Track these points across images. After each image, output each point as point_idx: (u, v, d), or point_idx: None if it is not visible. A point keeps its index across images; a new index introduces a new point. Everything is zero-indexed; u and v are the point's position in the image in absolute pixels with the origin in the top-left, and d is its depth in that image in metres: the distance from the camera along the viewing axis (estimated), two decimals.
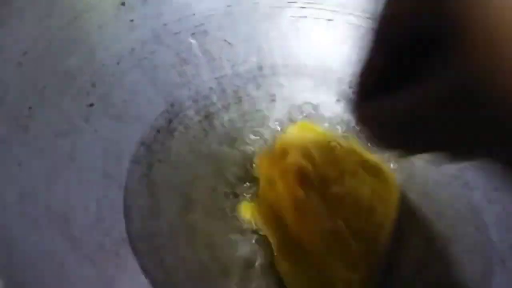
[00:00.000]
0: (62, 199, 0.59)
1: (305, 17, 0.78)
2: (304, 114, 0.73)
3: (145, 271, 0.60)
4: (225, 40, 0.75)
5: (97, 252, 0.59)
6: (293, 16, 0.77)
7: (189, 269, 0.62)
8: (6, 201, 0.54)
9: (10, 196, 0.54)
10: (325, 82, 0.77)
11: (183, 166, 0.68)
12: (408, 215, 0.66)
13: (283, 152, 0.66)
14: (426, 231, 0.66)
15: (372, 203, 0.63)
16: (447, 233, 0.66)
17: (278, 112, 0.73)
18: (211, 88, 0.74)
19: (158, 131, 0.70)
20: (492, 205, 0.67)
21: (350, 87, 0.71)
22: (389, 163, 0.69)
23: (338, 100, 0.75)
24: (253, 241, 0.63)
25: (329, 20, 0.78)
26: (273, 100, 0.74)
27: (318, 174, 0.64)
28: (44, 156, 0.59)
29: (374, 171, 0.66)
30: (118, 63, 0.69)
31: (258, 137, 0.71)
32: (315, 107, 0.74)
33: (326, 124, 0.72)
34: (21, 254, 0.52)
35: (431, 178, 0.70)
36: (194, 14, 0.74)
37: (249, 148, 0.70)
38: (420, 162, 0.70)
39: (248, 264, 0.62)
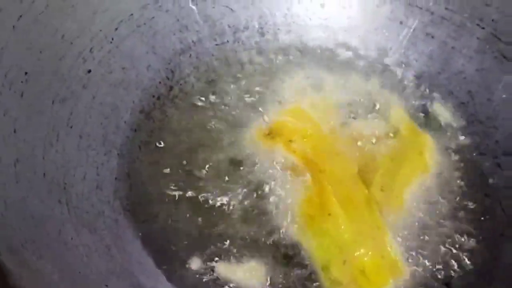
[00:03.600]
0: (60, 165, 0.58)
1: None
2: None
3: (144, 239, 0.60)
4: (226, 6, 0.73)
5: (95, 220, 0.58)
6: None
7: (188, 236, 0.61)
8: (2, 164, 0.52)
9: (6, 160, 0.53)
10: (329, 47, 0.75)
11: (184, 133, 0.66)
12: None
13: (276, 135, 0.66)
14: None
15: None
16: None
17: (281, 78, 0.71)
18: (212, 55, 0.72)
19: (158, 98, 0.68)
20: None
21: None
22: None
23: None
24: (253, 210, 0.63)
25: None
26: (276, 67, 0.72)
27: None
28: (41, 122, 0.58)
29: None
30: (116, 29, 0.67)
31: (259, 108, 0.69)
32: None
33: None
34: (17, 217, 0.50)
35: None
36: None
37: (251, 115, 0.68)
38: None
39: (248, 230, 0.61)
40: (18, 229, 0.49)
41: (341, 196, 0.61)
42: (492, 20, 0.70)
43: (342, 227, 0.60)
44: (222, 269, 0.59)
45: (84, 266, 0.53)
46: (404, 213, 0.63)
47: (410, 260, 0.60)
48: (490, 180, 0.66)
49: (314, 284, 0.58)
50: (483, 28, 0.71)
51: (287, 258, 0.60)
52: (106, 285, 0.53)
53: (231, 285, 0.58)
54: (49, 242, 0.52)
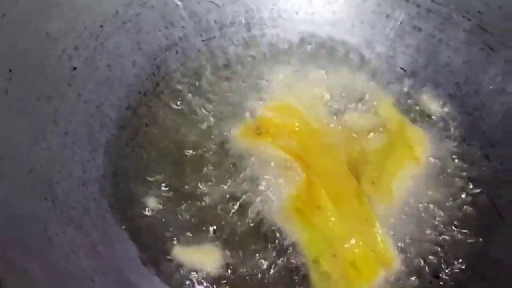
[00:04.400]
0: (45, 163, 0.58)
1: None
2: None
3: (131, 236, 0.59)
4: (212, 2, 0.73)
5: (81, 216, 0.58)
6: None
7: (178, 231, 0.60)
8: None
9: None
10: (316, 42, 0.75)
11: (171, 130, 0.66)
12: None
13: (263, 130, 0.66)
14: None
15: None
16: None
17: (268, 73, 0.71)
18: (199, 51, 0.72)
19: (144, 94, 0.68)
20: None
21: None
22: None
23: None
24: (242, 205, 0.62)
25: None
26: (263, 62, 0.72)
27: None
28: (26, 120, 0.58)
29: None
30: (101, 26, 0.67)
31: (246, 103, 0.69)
32: None
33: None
34: (3, 216, 0.50)
35: None
36: None
37: (238, 111, 0.68)
38: None
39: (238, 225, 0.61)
40: (2, 227, 0.49)
41: (330, 189, 0.61)
42: (478, 11, 0.70)
43: (332, 219, 0.60)
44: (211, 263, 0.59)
45: (70, 263, 0.53)
46: (395, 206, 0.63)
47: (400, 252, 0.60)
48: (478, 171, 0.66)
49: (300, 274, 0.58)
50: (469, 20, 0.71)
51: (276, 251, 0.59)
52: (93, 281, 0.53)
53: (222, 282, 0.58)
54: (34, 240, 0.52)
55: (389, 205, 0.63)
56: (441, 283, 0.60)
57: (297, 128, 0.66)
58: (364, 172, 0.64)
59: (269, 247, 0.60)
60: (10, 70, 0.57)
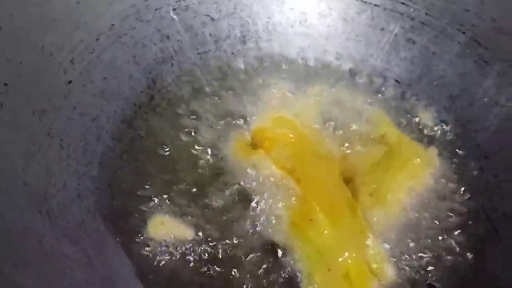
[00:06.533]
0: (41, 176, 0.58)
1: None
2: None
3: (125, 249, 0.59)
4: (207, 15, 0.74)
5: (76, 230, 0.58)
6: None
7: (173, 245, 0.60)
8: None
9: None
10: (310, 55, 0.75)
11: (166, 142, 0.67)
12: None
13: (258, 143, 0.67)
14: None
15: None
16: None
17: (263, 86, 0.72)
18: (194, 64, 0.73)
19: (140, 107, 0.68)
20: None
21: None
22: None
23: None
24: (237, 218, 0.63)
25: None
26: (258, 75, 0.73)
27: None
28: (21, 133, 0.58)
29: None
30: (97, 40, 0.67)
31: (241, 116, 0.70)
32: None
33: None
34: None
35: None
36: None
37: (233, 124, 0.69)
38: None
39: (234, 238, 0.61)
40: None
41: (322, 201, 0.61)
42: (472, 25, 0.71)
43: (325, 232, 0.60)
44: None
45: (65, 276, 0.53)
46: (391, 218, 0.63)
47: (394, 264, 0.60)
48: (472, 183, 0.66)
49: None
50: (463, 33, 0.71)
51: (270, 264, 0.59)
52: None
53: None
54: (29, 253, 0.52)
55: (385, 217, 0.63)
56: None
57: (292, 140, 0.66)
58: (362, 184, 0.64)
59: (264, 261, 0.60)
60: (6, 84, 0.57)
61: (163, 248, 0.60)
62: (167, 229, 0.61)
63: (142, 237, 0.60)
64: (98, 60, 0.67)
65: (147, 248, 0.60)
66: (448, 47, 0.72)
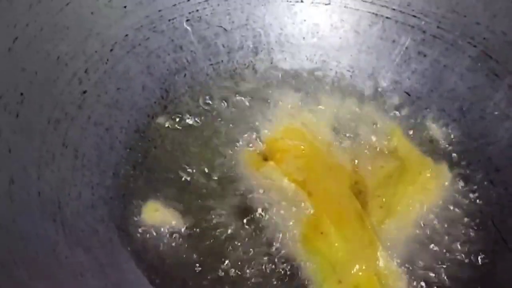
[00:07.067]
0: (55, 185, 0.58)
1: (302, 1, 0.76)
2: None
3: (139, 258, 0.60)
4: (220, 26, 0.74)
5: (90, 238, 0.58)
6: (289, 1, 0.76)
7: (183, 253, 0.61)
8: None
9: (0, 180, 0.53)
10: (322, 68, 0.75)
11: (178, 153, 0.67)
12: None
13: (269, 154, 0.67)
14: None
15: None
16: None
17: (275, 97, 0.72)
18: (207, 74, 0.73)
19: (153, 117, 0.69)
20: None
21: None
22: None
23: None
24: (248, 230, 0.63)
25: (326, 4, 0.76)
26: (270, 86, 0.73)
27: None
28: (36, 142, 0.58)
29: None
30: (111, 50, 0.68)
31: (253, 127, 0.70)
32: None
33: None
34: (11, 237, 0.51)
35: None
36: (188, 0, 0.73)
37: (245, 135, 0.69)
38: None
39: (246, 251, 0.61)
40: (10, 249, 0.50)
41: (332, 213, 0.61)
42: (484, 38, 0.71)
43: (336, 245, 0.60)
44: None
45: (78, 285, 0.54)
46: (401, 230, 0.63)
47: (405, 275, 0.60)
48: (483, 196, 0.66)
49: None
50: (474, 46, 0.71)
51: (283, 277, 0.60)
52: None
53: None
54: (43, 262, 0.52)
55: (395, 229, 0.63)
56: None
57: (303, 152, 0.67)
58: (373, 197, 0.65)
59: (274, 274, 0.60)
60: (22, 94, 0.58)
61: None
62: (161, 216, 0.62)
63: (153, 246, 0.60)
64: (112, 71, 0.67)
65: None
66: (459, 60, 0.72)
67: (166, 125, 0.69)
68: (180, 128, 0.69)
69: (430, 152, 0.70)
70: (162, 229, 0.62)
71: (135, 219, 0.61)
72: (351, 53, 0.76)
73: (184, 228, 0.62)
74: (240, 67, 0.74)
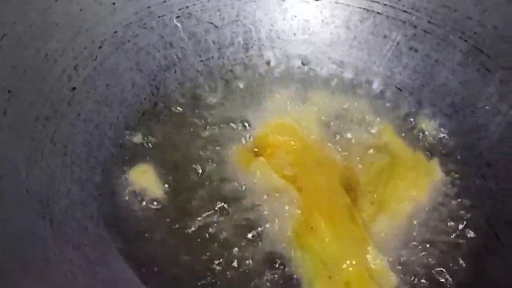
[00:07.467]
0: (44, 182, 0.58)
1: None
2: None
3: (128, 255, 0.59)
4: (210, 22, 0.74)
5: (79, 236, 0.58)
6: None
7: (174, 252, 0.60)
8: None
9: None
10: (313, 64, 0.75)
11: (169, 149, 0.67)
12: None
13: (260, 150, 0.67)
14: None
15: None
16: None
17: (265, 93, 0.72)
18: (197, 71, 0.73)
19: (143, 114, 0.69)
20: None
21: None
22: None
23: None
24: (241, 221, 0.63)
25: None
26: (261, 82, 0.73)
27: None
28: (24, 139, 0.58)
29: None
30: (100, 47, 0.67)
31: (243, 123, 0.70)
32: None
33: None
34: (0, 235, 0.51)
35: None
36: None
37: (236, 131, 0.69)
38: None
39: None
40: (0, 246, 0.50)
41: (322, 208, 0.61)
42: (474, 33, 0.71)
43: (326, 240, 0.60)
44: None
45: (67, 282, 0.53)
46: (392, 226, 0.63)
47: (396, 272, 0.60)
48: (474, 191, 0.66)
49: None
50: (465, 40, 0.71)
51: (272, 273, 0.60)
52: None
53: None
54: (31, 259, 0.52)
55: (386, 225, 0.63)
56: None
57: (294, 147, 0.67)
58: (364, 193, 0.65)
59: (265, 269, 0.60)
60: (9, 91, 0.57)
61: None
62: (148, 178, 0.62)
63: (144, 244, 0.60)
64: (101, 67, 0.67)
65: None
66: (450, 55, 0.72)
67: (156, 122, 0.68)
68: (170, 125, 0.68)
69: (422, 148, 0.70)
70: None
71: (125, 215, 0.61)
72: (342, 48, 0.76)
73: (176, 226, 0.62)
74: (231, 63, 0.74)
